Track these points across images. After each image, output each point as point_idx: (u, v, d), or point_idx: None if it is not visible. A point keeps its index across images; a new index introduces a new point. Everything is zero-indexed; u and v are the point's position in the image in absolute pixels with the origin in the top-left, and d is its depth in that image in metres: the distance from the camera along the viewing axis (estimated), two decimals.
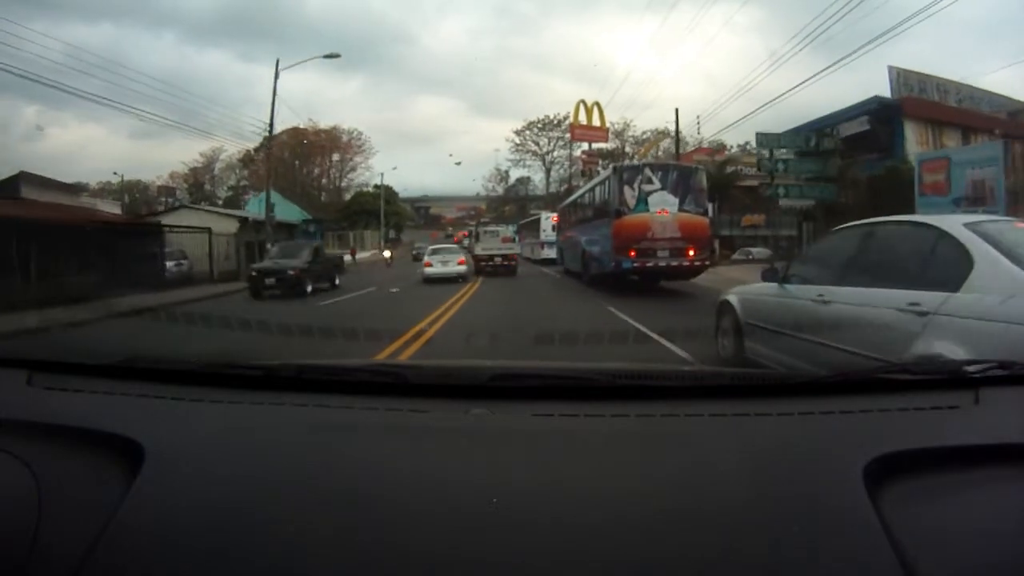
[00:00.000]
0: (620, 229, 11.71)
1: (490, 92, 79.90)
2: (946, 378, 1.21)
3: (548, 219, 26.96)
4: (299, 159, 53.22)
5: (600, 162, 37.66)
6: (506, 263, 19.47)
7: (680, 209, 11.79)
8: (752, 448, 0.96)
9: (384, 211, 48.77)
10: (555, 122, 57.60)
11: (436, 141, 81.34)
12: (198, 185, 56.07)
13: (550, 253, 24.72)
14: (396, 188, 56.14)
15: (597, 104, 43.96)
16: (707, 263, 12.35)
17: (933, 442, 0.96)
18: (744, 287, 5.58)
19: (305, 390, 1.19)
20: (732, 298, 5.18)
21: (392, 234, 49.87)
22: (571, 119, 44.57)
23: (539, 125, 58.71)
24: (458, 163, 63.52)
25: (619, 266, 11.72)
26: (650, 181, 11.88)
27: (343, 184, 56.93)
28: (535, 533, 0.75)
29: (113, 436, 0.97)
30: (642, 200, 11.79)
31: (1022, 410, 1.12)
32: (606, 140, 45.61)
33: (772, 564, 0.72)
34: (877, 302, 3.24)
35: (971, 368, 1.20)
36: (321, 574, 0.71)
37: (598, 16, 76.11)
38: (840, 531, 0.76)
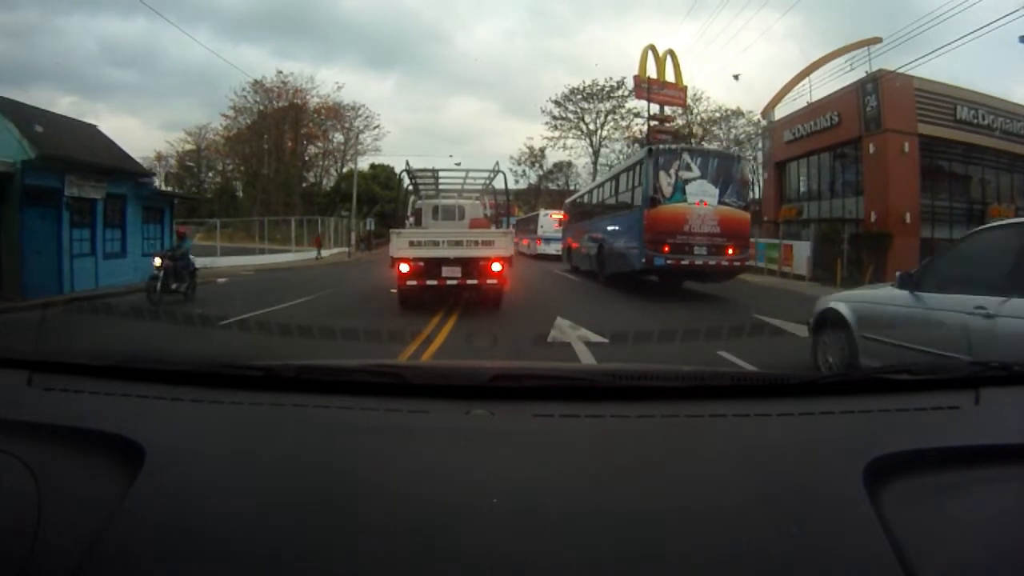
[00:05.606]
0: (654, 220, 10.76)
1: (524, 93, 75.36)
2: (946, 378, 1.21)
3: (546, 216, 27.19)
4: (293, 138, 43.97)
5: (667, 140, 28.32)
6: (476, 283, 8.41)
7: (720, 201, 11.06)
8: (753, 449, 0.96)
9: (384, 197, 37.41)
10: (605, 90, 42.75)
11: (468, 142, 74.49)
12: (185, 168, 47.79)
13: (547, 248, 24.90)
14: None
15: (671, 53, 30.70)
16: (746, 263, 11.85)
17: (933, 442, 0.96)
18: (853, 293, 4.73)
19: (305, 390, 1.18)
20: (841, 307, 4.30)
21: (370, 224, 34.27)
22: (636, 70, 30.95)
23: (583, 93, 43.51)
24: (457, 164, 56.71)
25: (650, 262, 10.71)
26: (689, 168, 11.06)
27: (344, 170, 45.40)
28: (535, 533, 0.76)
29: (113, 436, 0.96)
30: (679, 189, 10.92)
31: (1022, 410, 1.12)
32: (683, 103, 32.74)
33: (773, 564, 0.72)
34: None
35: (971, 368, 1.21)
36: (321, 573, 0.71)
37: (636, 20, 68.81)
38: (840, 531, 0.76)
